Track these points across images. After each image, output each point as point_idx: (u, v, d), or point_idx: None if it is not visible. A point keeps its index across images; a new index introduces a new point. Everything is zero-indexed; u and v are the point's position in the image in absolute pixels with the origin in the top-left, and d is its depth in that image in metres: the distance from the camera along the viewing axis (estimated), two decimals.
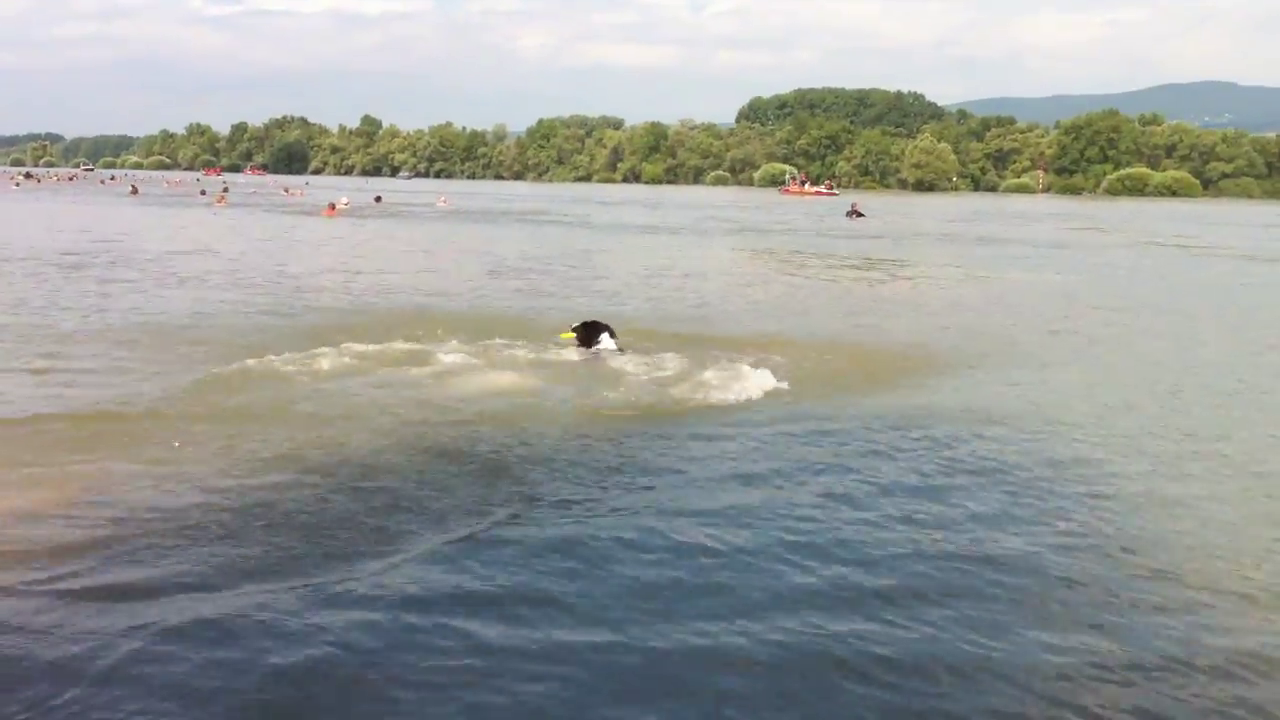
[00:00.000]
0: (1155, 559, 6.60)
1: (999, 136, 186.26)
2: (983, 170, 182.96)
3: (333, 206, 54.01)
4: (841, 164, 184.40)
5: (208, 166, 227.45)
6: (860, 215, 61.47)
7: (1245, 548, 6.95)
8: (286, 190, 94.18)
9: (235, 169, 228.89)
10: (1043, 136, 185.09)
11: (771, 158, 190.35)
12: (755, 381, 11.32)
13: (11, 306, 16.74)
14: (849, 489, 7.76)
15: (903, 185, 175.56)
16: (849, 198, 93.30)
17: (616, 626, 5.43)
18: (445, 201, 74.03)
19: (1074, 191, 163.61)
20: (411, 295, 19.60)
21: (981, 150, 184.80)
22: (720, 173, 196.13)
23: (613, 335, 13.41)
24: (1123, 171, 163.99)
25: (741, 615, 5.60)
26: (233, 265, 24.82)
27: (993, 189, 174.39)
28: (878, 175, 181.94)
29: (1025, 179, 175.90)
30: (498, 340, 13.70)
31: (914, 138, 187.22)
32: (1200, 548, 6.87)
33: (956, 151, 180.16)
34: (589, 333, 13.53)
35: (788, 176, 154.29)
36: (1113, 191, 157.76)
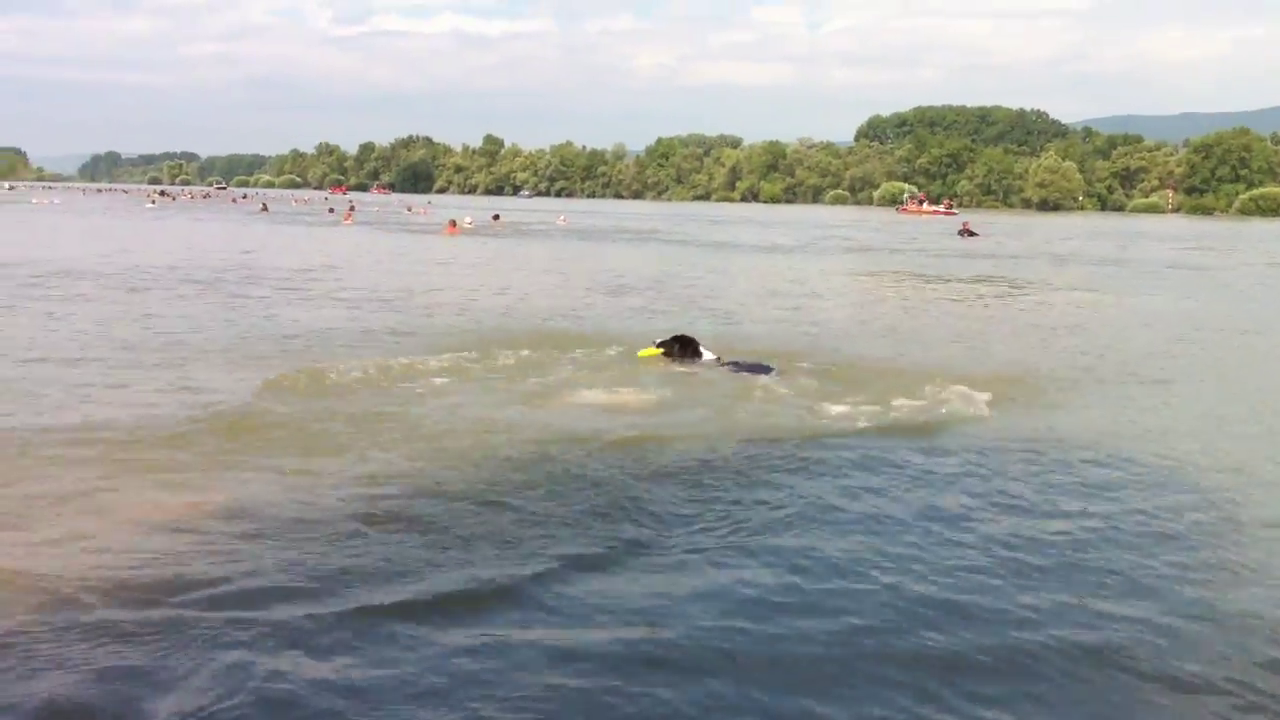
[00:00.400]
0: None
1: (1126, 155, 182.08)
2: (1109, 189, 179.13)
3: (454, 224, 54.93)
4: (963, 183, 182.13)
5: (334, 185, 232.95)
6: (972, 234, 60.78)
7: None
8: (410, 209, 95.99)
9: (363, 188, 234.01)
10: (1171, 155, 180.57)
11: (891, 176, 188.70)
12: (878, 408, 11.29)
13: (144, 321, 17.45)
14: (970, 536, 7.29)
15: (1026, 205, 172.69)
16: (967, 216, 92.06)
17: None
18: (565, 220, 74.88)
19: (1205, 211, 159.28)
20: (530, 313, 19.90)
21: (1108, 169, 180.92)
22: (839, 191, 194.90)
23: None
24: (1256, 191, 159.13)
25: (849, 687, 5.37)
26: (359, 282, 25.46)
27: (1120, 209, 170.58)
28: (1000, 194, 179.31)
29: (1154, 198, 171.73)
30: (615, 356, 13.94)
31: (1037, 156, 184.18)
32: None
33: (1082, 170, 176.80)
34: (684, 347, 13.56)
35: (905, 195, 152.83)
36: (1245, 211, 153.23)
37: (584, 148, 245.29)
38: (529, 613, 5.85)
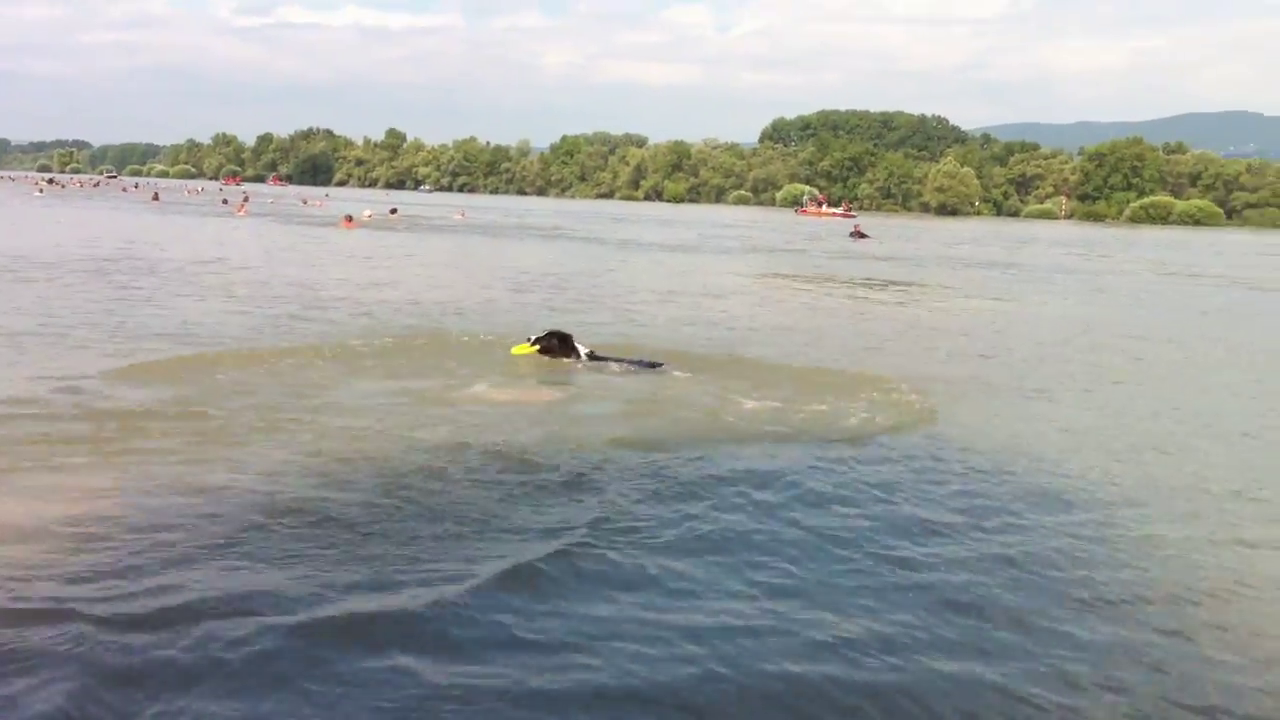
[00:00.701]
0: (1162, 608, 6.48)
1: (1023, 162, 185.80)
2: (1005, 195, 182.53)
3: (350, 218, 54.13)
4: (864, 186, 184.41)
5: (229, 176, 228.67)
6: (864, 236, 62.02)
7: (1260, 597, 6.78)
8: (305, 201, 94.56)
9: (260, 179, 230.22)
10: (1066, 163, 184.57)
11: (794, 178, 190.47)
12: (778, 407, 11.28)
13: (23, 312, 16.76)
14: (859, 558, 7.12)
15: (925, 209, 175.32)
16: (865, 219, 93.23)
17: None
18: (463, 215, 74.36)
19: (1097, 218, 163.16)
20: (426, 308, 19.53)
21: (1005, 175, 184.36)
22: (742, 192, 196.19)
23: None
24: (1146, 199, 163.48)
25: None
26: (250, 275, 24.88)
27: (1015, 214, 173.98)
28: (900, 198, 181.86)
29: (1048, 205, 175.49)
30: (507, 355, 13.73)
31: (937, 161, 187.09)
32: (1216, 597, 6.70)
33: (980, 176, 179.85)
34: (564, 344, 13.43)
35: (805, 197, 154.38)
36: (1135, 219, 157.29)
37: (488, 143, 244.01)
38: (429, 641, 5.45)
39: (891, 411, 11.54)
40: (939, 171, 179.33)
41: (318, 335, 15.25)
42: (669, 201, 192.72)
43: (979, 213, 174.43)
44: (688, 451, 9.32)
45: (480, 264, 33.31)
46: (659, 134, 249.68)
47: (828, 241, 58.46)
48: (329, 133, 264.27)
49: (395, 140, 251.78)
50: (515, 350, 13.45)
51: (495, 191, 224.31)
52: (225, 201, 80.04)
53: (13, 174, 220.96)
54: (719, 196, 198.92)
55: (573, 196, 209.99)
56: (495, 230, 58.23)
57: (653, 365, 13.16)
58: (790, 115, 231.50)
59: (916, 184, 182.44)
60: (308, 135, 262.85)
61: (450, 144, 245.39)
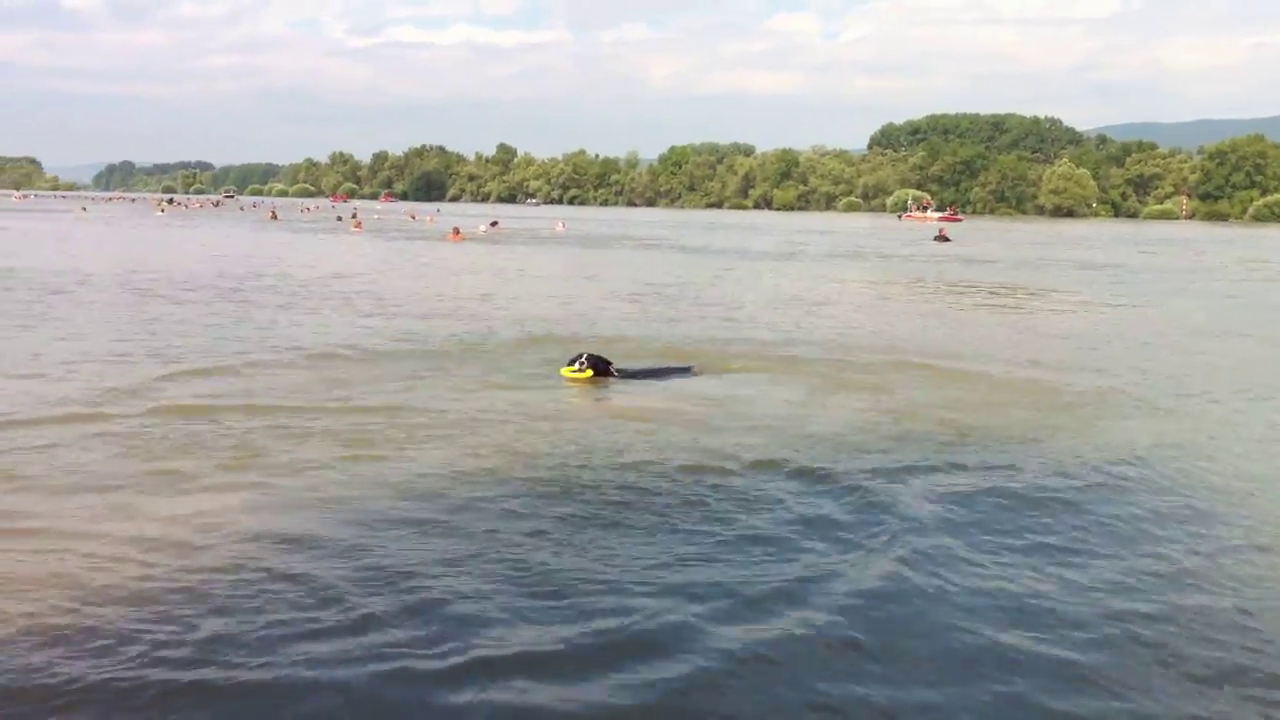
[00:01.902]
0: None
1: (1140, 162, 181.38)
2: (1123, 196, 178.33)
3: (457, 231, 55.86)
4: (976, 190, 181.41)
5: (335, 193, 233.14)
6: (947, 240, 63.01)
7: None
8: (413, 217, 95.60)
9: (374, 196, 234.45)
10: (1185, 162, 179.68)
11: (904, 183, 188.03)
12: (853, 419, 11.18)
13: (149, 325, 17.57)
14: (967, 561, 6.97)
15: (1040, 211, 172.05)
16: (978, 223, 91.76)
17: None
18: (563, 227, 74.84)
19: (1220, 218, 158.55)
20: (532, 319, 19.83)
21: (1122, 176, 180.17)
22: (852, 199, 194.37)
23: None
24: (1270, 198, 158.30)
25: None
26: (370, 288, 25.69)
27: (1134, 215, 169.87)
28: (1014, 201, 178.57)
29: (1168, 205, 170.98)
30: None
31: (1051, 163, 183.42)
32: None
33: (1096, 177, 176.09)
34: (605, 363, 13.51)
35: (909, 202, 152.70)
36: (1259, 218, 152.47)
37: (597, 156, 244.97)
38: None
39: (993, 421, 11.42)
40: (1054, 173, 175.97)
41: (439, 346, 15.84)
42: (779, 209, 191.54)
43: (1096, 214, 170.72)
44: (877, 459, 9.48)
45: (592, 275, 33.50)
46: (766, 142, 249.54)
47: (921, 247, 57.72)
48: (441, 149, 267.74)
49: (506, 155, 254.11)
50: (564, 372, 13.39)
51: (605, 203, 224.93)
52: (339, 219, 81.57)
53: (134, 195, 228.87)
54: (829, 203, 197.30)
55: (682, 206, 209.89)
56: (598, 241, 58.47)
57: (683, 370, 13.95)
58: (899, 120, 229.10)
59: (1031, 186, 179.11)
60: (421, 153, 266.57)
61: (560, 157, 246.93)
